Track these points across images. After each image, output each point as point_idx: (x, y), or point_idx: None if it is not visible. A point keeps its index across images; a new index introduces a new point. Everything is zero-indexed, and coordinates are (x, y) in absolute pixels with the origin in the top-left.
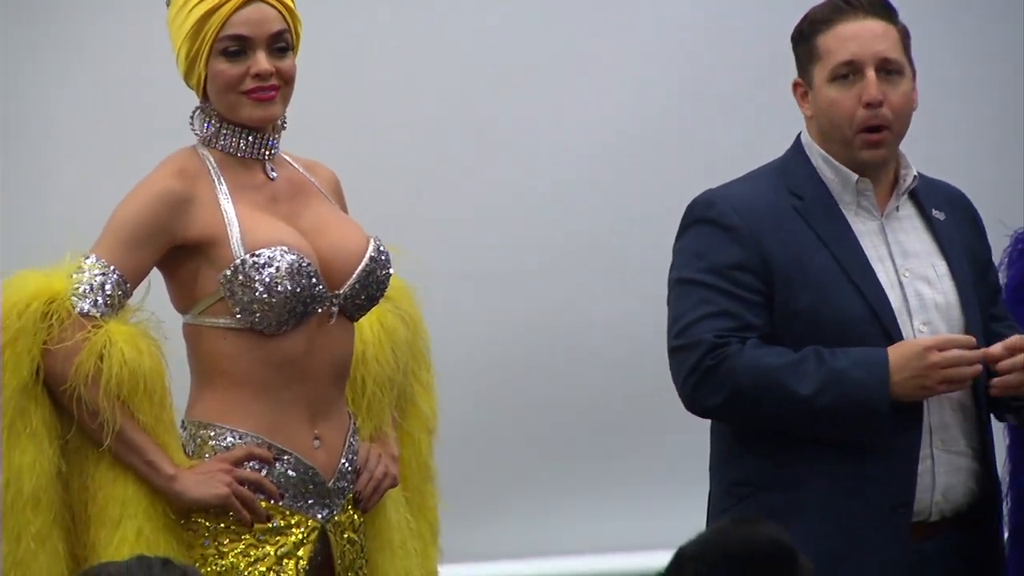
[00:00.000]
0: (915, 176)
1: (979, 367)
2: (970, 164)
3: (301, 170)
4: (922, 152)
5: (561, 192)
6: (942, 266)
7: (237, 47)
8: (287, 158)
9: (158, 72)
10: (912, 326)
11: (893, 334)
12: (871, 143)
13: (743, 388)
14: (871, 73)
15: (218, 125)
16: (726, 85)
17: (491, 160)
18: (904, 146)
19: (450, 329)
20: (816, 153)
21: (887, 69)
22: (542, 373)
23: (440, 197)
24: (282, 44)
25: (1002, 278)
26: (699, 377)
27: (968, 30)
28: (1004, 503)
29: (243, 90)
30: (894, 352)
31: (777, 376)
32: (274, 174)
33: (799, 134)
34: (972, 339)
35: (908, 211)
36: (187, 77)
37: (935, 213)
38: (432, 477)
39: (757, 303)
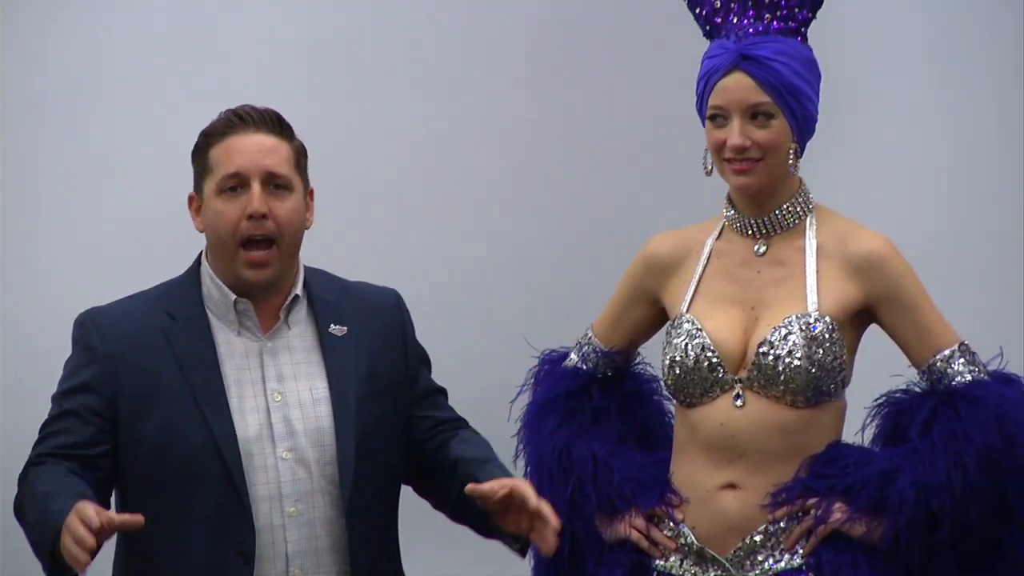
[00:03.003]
0: (297, 295)
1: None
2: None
3: None
4: None
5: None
6: (321, 388)
7: None
8: None
9: None
10: (276, 454)
11: (232, 466)
12: (254, 262)
13: (19, 500)
14: (256, 186)
15: None
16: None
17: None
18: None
19: None
20: (206, 271)
21: (275, 183)
22: None
23: None
24: None
25: (527, 396)
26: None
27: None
28: None
29: None
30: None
31: (29, 498)
32: None
33: (200, 252)
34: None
35: (301, 329)
36: None
37: (333, 328)
38: None
39: (95, 425)
